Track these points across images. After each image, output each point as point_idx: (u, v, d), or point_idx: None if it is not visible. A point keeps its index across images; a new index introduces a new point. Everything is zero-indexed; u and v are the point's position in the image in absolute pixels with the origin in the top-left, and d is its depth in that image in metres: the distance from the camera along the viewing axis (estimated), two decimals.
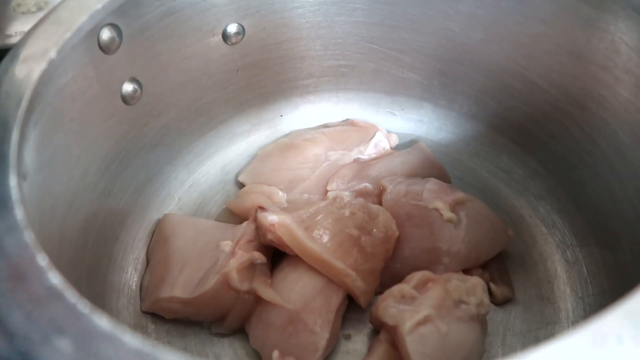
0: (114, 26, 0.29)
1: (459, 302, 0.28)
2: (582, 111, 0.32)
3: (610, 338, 0.14)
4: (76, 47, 0.25)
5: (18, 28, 0.51)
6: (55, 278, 0.16)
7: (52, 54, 0.22)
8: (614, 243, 0.31)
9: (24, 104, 0.21)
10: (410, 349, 0.26)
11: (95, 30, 0.27)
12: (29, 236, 0.17)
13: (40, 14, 0.53)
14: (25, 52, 0.23)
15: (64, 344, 0.14)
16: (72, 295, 0.15)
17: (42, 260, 0.16)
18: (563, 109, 0.33)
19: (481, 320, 0.29)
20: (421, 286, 0.29)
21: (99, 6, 0.25)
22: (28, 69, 0.22)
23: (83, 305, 0.15)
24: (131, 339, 0.14)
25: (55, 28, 0.24)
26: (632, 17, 0.26)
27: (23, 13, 0.53)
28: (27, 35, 0.23)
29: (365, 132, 0.40)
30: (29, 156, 0.23)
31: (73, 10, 0.25)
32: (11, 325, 0.14)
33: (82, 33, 0.25)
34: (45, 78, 0.23)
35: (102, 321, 0.14)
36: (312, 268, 0.31)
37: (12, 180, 0.18)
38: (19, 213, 0.18)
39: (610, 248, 0.31)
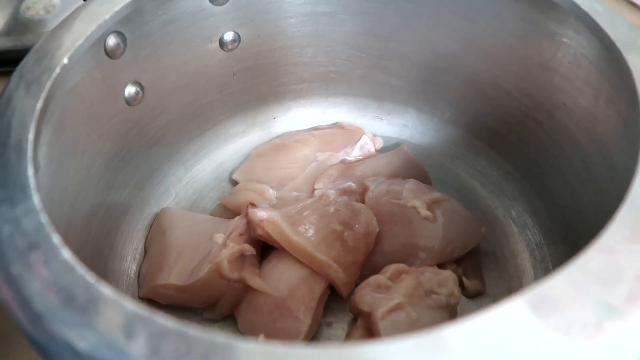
0: (119, 33, 0.32)
1: (430, 292, 0.31)
2: (549, 119, 0.34)
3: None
4: (85, 53, 0.28)
5: (27, 30, 0.54)
6: (66, 254, 0.18)
7: (65, 60, 0.25)
8: (577, 242, 0.33)
9: (39, 105, 0.23)
10: (382, 333, 0.29)
11: (103, 37, 0.30)
12: (44, 218, 0.20)
13: (48, 17, 0.56)
14: (41, 57, 0.25)
15: (74, 309, 0.16)
16: (80, 268, 0.18)
17: (56, 238, 0.19)
18: (532, 116, 0.36)
19: (451, 310, 0.32)
20: (396, 277, 0.32)
21: (107, 16, 0.28)
22: (43, 73, 0.24)
23: (90, 277, 0.17)
24: (130, 305, 0.16)
25: (68, 35, 0.26)
26: (592, 35, 0.28)
27: (32, 16, 0.55)
28: (43, 41, 0.26)
29: (352, 135, 0.43)
30: (42, 151, 0.26)
31: (83, 19, 0.28)
32: (30, 292, 0.17)
33: (91, 40, 0.27)
34: (58, 81, 0.25)
35: (106, 289, 0.17)
36: (297, 260, 0.34)
37: (30, 171, 0.21)
38: (35, 199, 0.20)
39: (573, 247, 0.34)
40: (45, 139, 0.26)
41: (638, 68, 0.23)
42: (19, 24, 0.54)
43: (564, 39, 0.31)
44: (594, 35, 0.27)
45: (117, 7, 0.29)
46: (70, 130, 0.29)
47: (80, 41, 0.26)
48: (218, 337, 0.16)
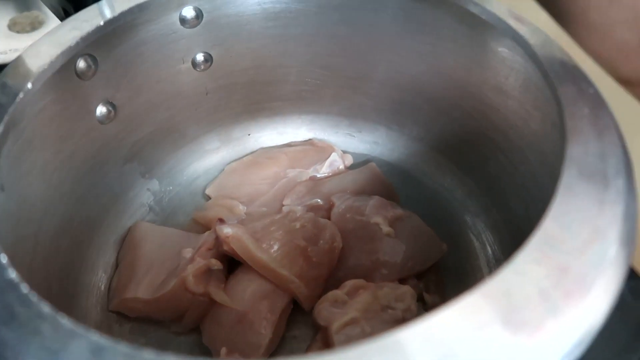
0: (90, 55, 0.33)
1: (386, 307, 0.32)
2: (505, 139, 0.36)
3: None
4: (53, 76, 0.29)
5: (13, 46, 0.55)
6: (12, 273, 0.19)
7: (29, 85, 0.26)
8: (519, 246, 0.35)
9: (0, 129, 0.25)
10: (337, 347, 0.30)
11: (72, 61, 0.31)
12: None
13: (35, 33, 0.57)
14: (5, 83, 0.27)
15: (15, 326, 0.17)
16: (24, 288, 0.19)
17: (3, 258, 0.20)
18: (490, 136, 0.37)
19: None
20: (353, 292, 0.33)
21: (73, 43, 0.29)
22: (7, 97, 0.26)
23: (32, 296, 0.18)
24: (66, 321, 0.18)
25: (33, 61, 0.28)
26: (535, 64, 0.30)
27: (18, 32, 0.57)
28: (10, 67, 0.27)
29: (322, 152, 0.44)
30: (7, 171, 0.27)
31: (51, 44, 0.29)
32: None
33: (58, 64, 0.29)
34: (23, 104, 0.26)
35: (46, 307, 0.18)
36: (261, 275, 0.35)
37: None
38: None
39: (517, 250, 0.35)
40: (10, 160, 0.27)
41: (568, 98, 0.25)
42: (4, 39, 0.55)
43: (515, 65, 0.32)
44: (535, 64, 0.29)
45: (85, 32, 0.30)
46: (39, 150, 0.31)
47: (46, 66, 0.28)
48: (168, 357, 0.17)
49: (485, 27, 0.33)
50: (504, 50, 0.33)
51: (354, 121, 0.47)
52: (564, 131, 0.24)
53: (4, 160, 0.26)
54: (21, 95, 0.26)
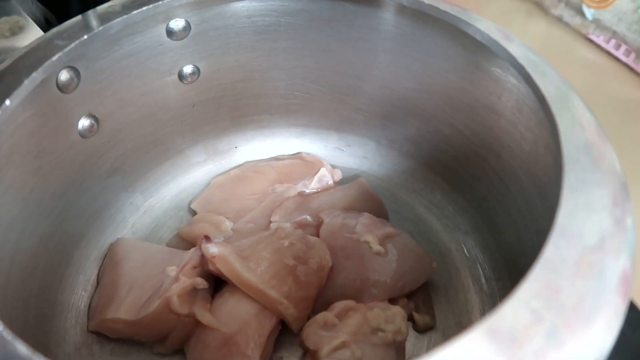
0: (72, 68, 0.32)
1: (376, 330, 0.31)
2: (496, 159, 0.35)
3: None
4: (33, 91, 0.28)
5: None
6: None
7: (7, 102, 0.25)
8: (520, 278, 0.34)
9: None
10: None
11: (53, 74, 0.30)
12: None
13: (15, 39, 0.55)
14: None
15: None
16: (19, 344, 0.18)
17: None
18: (482, 155, 0.37)
19: (398, 347, 0.32)
20: (343, 314, 0.32)
21: (55, 57, 0.28)
22: None
23: (7, 333, 0.17)
24: None
25: (12, 76, 0.26)
26: (529, 86, 0.29)
27: None
28: None
29: (311, 166, 0.44)
30: None
31: (31, 58, 0.28)
32: None
33: (38, 80, 0.27)
34: (0, 121, 0.25)
35: (22, 347, 0.17)
36: (249, 295, 0.34)
37: None
38: None
39: (517, 282, 0.35)
40: None
41: (565, 123, 0.24)
42: None
43: (508, 86, 0.32)
44: (529, 87, 0.29)
45: (69, 47, 0.29)
46: (17, 166, 0.29)
47: (26, 81, 0.26)
48: None
49: (478, 47, 0.33)
50: (496, 70, 0.33)
51: (343, 135, 0.46)
52: (560, 158, 0.23)
53: None
54: None
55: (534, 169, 0.31)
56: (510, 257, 0.36)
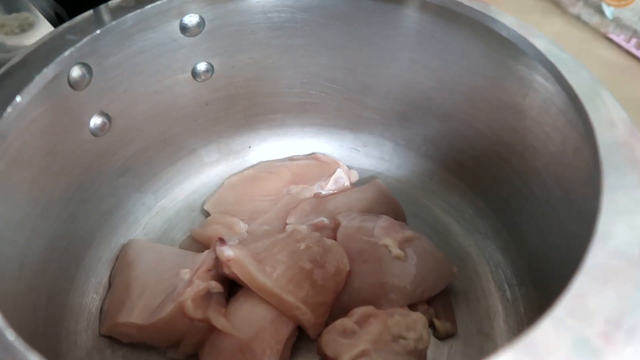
0: (84, 64, 0.31)
1: (397, 337, 0.30)
2: (519, 160, 0.34)
3: None
4: (45, 87, 0.27)
5: (1, 49, 0.52)
6: (11, 335, 0.17)
7: (18, 98, 0.24)
8: (545, 285, 0.33)
9: None
10: None
11: (65, 70, 0.29)
12: None
13: (24, 36, 0.55)
14: None
15: None
16: (10, 334, 0.17)
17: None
18: (504, 156, 0.36)
19: (419, 355, 0.31)
20: (363, 321, 0.31)
21: (67, 53, 0.27)
22: None
23: (19, 344, 0.16)
24: None
25: (23, 72, 0.25)
26: (558, 84, 0.28)
27: (6, 34, 0.54)
28: None
29: (326, 167, 0.42)
30: None
31: (42, 54, 0.27)
32: None
33: (49, 76, 0.27)
34: (11, 119, 0.24)
35: (34, 356, 0.16)
36: (265, 300, 0.33)
37: None
38: None
39: (542, 289, 0.34)
40: None
41: (600, 123, 0.23)
42: None
43: (534, 84, 0.31)
44: (559, 85, 0.27)
45: (81, 42, 0.28)
46: (27, 165, 0.28)
47: (37, 77, 0.26)
48: None
49: (502, 44, 0.32)
50: (522, 68, 0.31)
51: (359, 135, 0.45)
52: (596, 161, 0.22)
53: None
54: (9, 109, 0.24)
55: (561, 171, 0.30)
56: (533, 262, 0.35)
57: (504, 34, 0.31)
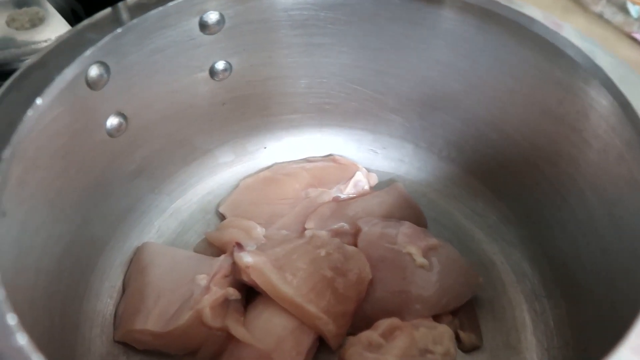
0: (102, 64, 0.30)
1: (424, 351, 0.29)
2: (552, 167, 0.33)
3: None
4: (63, 89, 0.26)
5: (11, 44, 0.51)
6: (22, 339, 0.16)
7: (38, 101, 0.23)
8: (577, 297, 0.32)
9: (6, 153, 0.21)
10: None
11: (84, 70, 0.28)
12: (1, 294, 0.17)
13: (34, 31, 0.53)
14: (11, 98, 0.23)
15: None
16: (38, 358, 0.16)
17: (12, 319, 0.17)
18: (534, 163, 0.34)
19: None
20: (388, 334, 0.30)
21: (87, 53, 0.26)
22: (14, 115, 0.22)
23: (37, 358, 0.15)
24: None
25: (42, 73, 0.24)
26: (602, 87, 0.27)
27: (17, 29, 0.53)
28: (15, 79, 0.24)
29: (345, 170, 0.41)
30: (9, 195, 0.24)
31: (61, 53, 0.26)
32: None
33: (69, 77, 0.25)
34: (30, 122, 0.23)
35: None
36: (284, 308, 0.32)
37: None
38: None
39: (574, 302, 0.32)
40: (13, 182, 0.24)
41: None
42: (2, 37, 0.51)
43: (572, 88, 0.29)
44: (606, 90, 0.26)
45: (101, 42, 0.27)
46: (44, 168, 0.27)
47: (56, 78, 0.24)
48: None
49: (538, 44, 0.30)
50: (558, 71, 0.30)
51: (378, 137, 0.44)
52: None
53: (9, 183, 0.22)
54: (30, 112, 0.23)
55: (600, 180, 0.29)
56: (564, 274, 0.34)
57: (542, 34, 0.29)
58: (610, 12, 0.60)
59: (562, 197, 0.33)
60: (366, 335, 0.30)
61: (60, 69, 0.25)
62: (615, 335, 0.18)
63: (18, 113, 0.23)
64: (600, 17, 0.61)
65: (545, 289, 0.35)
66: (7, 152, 0.21)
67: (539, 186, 0.35)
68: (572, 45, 0.28)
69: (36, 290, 0.28)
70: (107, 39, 0.28)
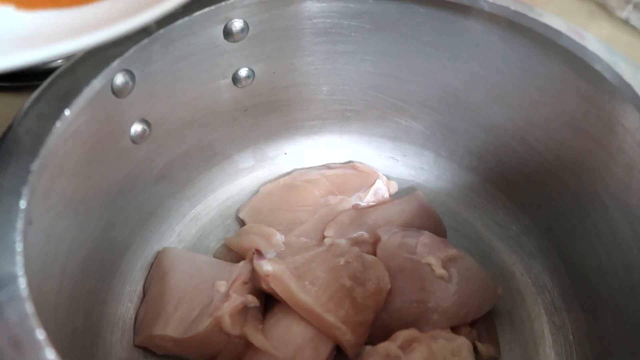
0: (128, 72, 0.30)
1: None
2: (575, 180, 0.32)
3: None
4: (91, 99, 0.26)
5: None
6: (51, 354, 0.16)
7: (67, 112, 0.24)
8: (598, 311, 0.31)
9: (35, 165, 0.22)
10: None
11: (110, 79, 0.28)
12: (29, 307, 0.18)
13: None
14: (40, 109, 0.24)
15: None
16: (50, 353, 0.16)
17: (41, 334, 0.17)
18: (557, 175, 0.34)
19: None
20: (407, 345, 0.30)
21: (115, 63, 0.26)
22: (43, 127, 0.23)
23: None
24: None
25: (69, 83, 0.25)
26: (629, 102, 0.26)
27: None
28: (42, 91, 0.24)
29: (365, 177, 0.41)
30: (37, 202, 0.24)
31: (89, 63, 0.26)
32: None
33: (96, 87, 0.26)
34: (58, 133, 0.24)
35: None
36: (303, 317, 0.32)
37: (18, 246, 0.19)
38: (22, 282, 0.18)
39: (594, 316, 0.32)
40: (40, 190, 0.24)
41: None
42: None
43: (598, 102, 0.29)
44: (632, 105, 0.26)
45: (128, 52, 0.27)
46: (69, 175, 0.28)
47: (85, 89, 0.25)
48: None
49: (562, 55, 0.30)
50: (583, 84, 0.30)
51: (398, 144, 0.43)
52: None
53: (37, 191, 0.23)
54: (58, 124, 0.23)
55: (625, 196, 0.29)
56: (585, 287, 0.33)
57: (568, 47, 0.29)
58: (636, 18, 0.59)
59: (585, 210, 0.32)
60: (384, 346, 0.30)
61: (88, 79, 0.25)
62: (636, 351, 0.18)
63: (47, 125, 0.23)
64: (626, 22, 0.59)
65: (565, 302, 0.35)
66: (35, 164, 0.22)
67: (561, 198, 0.34)
68: (599, 59, 0.27)
69: (60, 296, 0.28)
70: (134, 49, 0.28)
